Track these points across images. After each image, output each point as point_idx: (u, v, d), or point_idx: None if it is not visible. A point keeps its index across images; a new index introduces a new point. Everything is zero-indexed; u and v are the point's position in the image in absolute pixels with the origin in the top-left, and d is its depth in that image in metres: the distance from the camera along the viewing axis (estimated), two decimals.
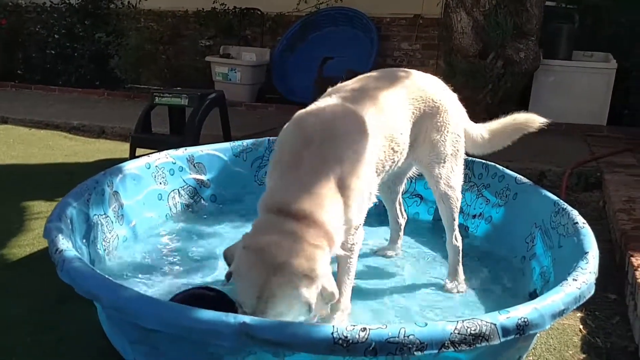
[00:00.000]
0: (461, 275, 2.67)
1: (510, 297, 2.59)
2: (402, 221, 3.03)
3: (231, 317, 1.62)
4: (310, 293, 1.83)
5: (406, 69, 2.72)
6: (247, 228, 3.23)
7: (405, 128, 2.45)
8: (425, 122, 2.54)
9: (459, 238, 2.70)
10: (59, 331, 2.28)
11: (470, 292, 2.64)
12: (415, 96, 2.50)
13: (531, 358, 2.19)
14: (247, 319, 1.62)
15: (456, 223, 2.68)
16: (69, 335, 2.25)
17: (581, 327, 2.44)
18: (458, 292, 2.62)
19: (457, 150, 2.63)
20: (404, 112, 2.45)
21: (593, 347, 2.30)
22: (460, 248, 2.69)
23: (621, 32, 6.39)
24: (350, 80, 2.58)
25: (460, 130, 2.66)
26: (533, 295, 2.56)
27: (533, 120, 2.81)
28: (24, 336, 2.25)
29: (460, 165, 2.67)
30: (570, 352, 2.26)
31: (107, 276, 1.87)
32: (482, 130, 2.82)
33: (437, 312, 2.44)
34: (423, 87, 2.56)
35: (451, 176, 2.61)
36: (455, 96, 2.73)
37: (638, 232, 2.95)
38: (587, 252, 2.19)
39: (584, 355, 2.24)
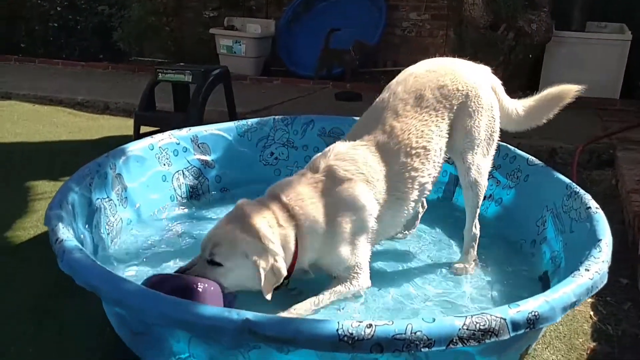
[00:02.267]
0: (473, 259, 2.63)
1: (520, 280, 2.57)
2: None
3: (234, 313, 1.59)
4: (260, 256, 2.06)
5: (429, 61, 2.65)
6: None
7: (441, 145, 2.49)
8: (458, 113, 2.50)
9: (478, 226, 2.65)
10: (61, 319, 2.26)
11: (480, 275, 2.60)
12: (445, 95, 2.47)
13: (540, 346, 2.16)
14: (250, 315, 1.58)
15: (479, 210, 2.63)
16: (71, 323, 2.24)
17: (592, 313, 2.40)
18: (467, 273, 2.58)
19: (492, 133, 2.58)
20: (440, 129, 2.47)
21: (604, 335, 2.26)
22: (478, 236, 2.65)
23: (636, 1, 6.18)
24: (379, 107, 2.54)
25: (496, 111, 2.60)
26: (543, 278, 2.53)
27: (568, 90, 2.71)
28: (25, 323, 2.23)
29: (493, 149, 2.62)
30: (580, 339, 2.22)
31: (108, 268, 1.83)
32: (518, 105, 2.74)
33: (446, 297, 2.40)
34: (451, 79, 2.50)
35: (482, 163, 2.56)
36: (486, 73, 2.66)
37: None
38: (600, 240, 2.14)
39: (594, 344, 2.20)
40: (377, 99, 2.59)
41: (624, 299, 2.51)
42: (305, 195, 2.25)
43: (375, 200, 2.33)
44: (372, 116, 2.51)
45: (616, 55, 5.87)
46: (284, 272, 2.11)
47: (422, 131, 2.42)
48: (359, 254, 2.31)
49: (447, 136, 2.50)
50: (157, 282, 1.90)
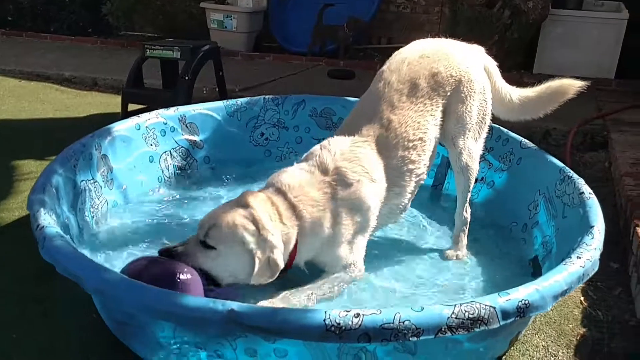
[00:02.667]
0: (464, 243, 2.61)
1: (511, 265, 2.55)
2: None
3: (219, 304, 1.55)
4: (255, 244, 2.02)
5: (422, 44, 2.59)
6: (240, 191, 3.19)
7: (435, 134, 2.47)
8: (451, 99, 2.47)
9: (469, 210, 2.63)
10: (46, 303, 2.22)
11: (470, 260, 2.58)
12: (439, 83, 2.43)
13: (530, 332, 2.15)
14: (235, 305, 1.55)
15: (469, 195, 2.61)
16: (56, 307, 2.20)
17: (582, 298, 2.39)
18: (458, 259, 2.56)
19: (484, 116, 2.56)
20: (434, 117, 2.44)
21: (593, 321, 2.25)
22: (469, 220, 2.63)
23: None
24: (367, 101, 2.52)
25: (488, 94, 2.57)
26: (534, 263, 2.51)
27: (569, 85, 2.67)
28: (9, 307, 2.19)
29: (484, 132, 2.60)
30: (571, 325, 2.22)
31: (89, 256, 1.79)
32: (514, 93, 2.70)
33: (436, 283, 2.37)
34: (445, 65, 2.46)
35: (474, 147, 2.55)
36: (480, 54, 2.62)
37: None
38: (593, 227, 2.11)
39: (584, 329, 2.19)
40: (372, 87, 2.54)
41: (614, 284, 2.50)
42: (315, 199, 2.20)
43: (378, 199, 2.32)
44: (369, 107, 2.47)
45: (612, 35, 5.80)
46: (281, 266, 2.07)
47: (419, 122, 2.39)
48: (356, 251, 2.29)
49: (441, 123, 2.47)
50: (136, 270, 1.85)
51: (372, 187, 2.29)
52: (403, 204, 2.47)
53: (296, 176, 2.27)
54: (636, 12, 5.72)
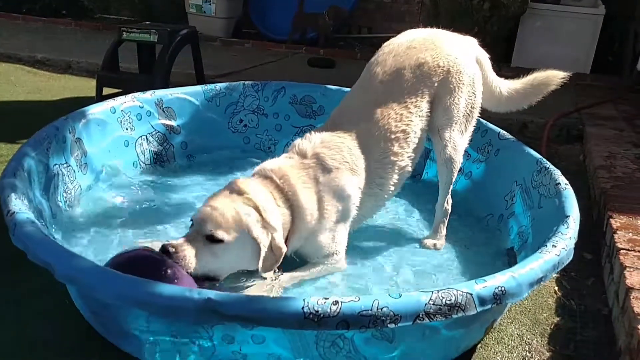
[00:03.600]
0: (442, 234, 2.62)
1: (487, 254, 2.57)
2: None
3: (195, 293, 1.52)
4: (260, 230, 1.99)
5: (412, 34, 2.58)
6: (218, 178, 3.15)
7: (421, 126, 2.45)
8: (438, 90, 2.46)
9: (450, 202, 2.64)
10: (18, 289, 2.16)
11: (447, 250, 2.59)
12: (426, 73, 2.42)
13: (505, 320, 2.17)
14: (212, 294, 1.52)
15: (452, 187, 2.61)
16: (28, 294, 2.13)
17: (556, 288, 2.42)
18: (435, 248, 2.57)
19: (472, 109, 2.55)
20: (419, 108, 2.42)
21: (567, 310, 2.28)
22: (449, 211, 2.64)
23: None
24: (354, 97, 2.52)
25: (478, 86, 2.56)
26: (509, 253, 2.54)
27: (554, 76, 2.74)
28: None
29: (471, 126, 2.60)
30: (545, 314, 2.24)
31: (61, 243, 1.74)
32: (503, 85, 2.72)
33: (414, 272, 2.37)
34: (432, 55, 2.45)
35: (459, 140, 2.54)
36: (472, 45, 2.62)
37: (618, 191, 2.91)
38: (568, 216, 2.14)
39: (557, 319, 2.22)
40: (359, 80, 2.54)
41: (587, 275, 2.54)
42: (297, 180, 2.19)
43: (359, 189, 2.30)
44: (354, 100, 2.48)
45: (589, 30, 5.88)
46: (284, 250, 2.05)
47: (402, 114, 2.38)
48: (337, 241, 2.28)
49: (428, 115, 2.45)
50: (122, 263, 1.79)
51: (351, 177, 2.28)
52: (386, 195, 2.46)
53: (278, 162, 2.27)
54: (613, 8, 5.81)
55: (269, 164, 2.26)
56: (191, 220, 2.05)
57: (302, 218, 2.18)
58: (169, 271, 1.80)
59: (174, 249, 1.90)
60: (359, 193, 2.32)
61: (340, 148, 2.29)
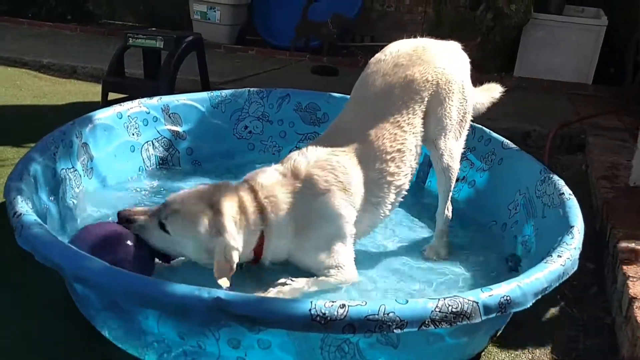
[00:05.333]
0: (444, 241, 2.63)
1: (489, 262, 2.57)
2: None
3: (204, 292, 1.54)
4: (210, 242, 2.05)
5: (396, 50, 2.58)
6: None
7: (415, 143, 2.47)
8: (430, 103, 2.48)
9: (450, 208, 2.65)
10: (23, 289, 2.18)
11: (450, 257, 2.59)
12: (415, 90, 2.44)
13: (509, 328, 2.16)
14: (221, 293, 1.54)
15: (451, 194, 2.63)
16: (29, 294, 2.15)
17: (559, 297, 2.43)
18: (439, 257, 2.58)
19: (464, 115, 2.58)
20: (413, 125, 2.44)
21: (570, 319, 2.30)
22: (450, 219, 2.65)
23: None
24: (347, 116, 2.54)
25: (467, 91, 2.59)
26: (511, 261, 2.54)
27: (494, 88, 2.87)
28: None
29: (465, 130, 2.62)
30: (548, 323, 2.26)
31: (70, 245, 1.75)
32: (475, 95, 2.75)
33: (417, 280, 2.38)
34: (420, 71, 2.46)
35: (454, 147, 2.56)
36: (456, 51, 2.65)
37: (620, 201, 2.93)
38: (573, 227, 2.15)
39: (560, 327, 2.23)
40: (351, 98, 2.59)
41: (590, 284, 2.55)
42: (283, 202, 2.21)
43: (352, 207, 2.31)
44: (348, 118, 2.50)
45: (591, 40, 5.92)
46: (235, 264, 2.06)
47: (395, 134, 2.40)
48: (337, 256, 2.26)
49: (422, 130, 2.48)
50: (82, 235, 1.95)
51: (343, 197, 2.27)
52: (382, 214, 2.46)
53: (270, 177, 2.27)
54: (615, 19, 5.85)
55: (261, 177, 2.27)
56: None
57: (278, 237, 2.22)
58: (127, 242, 2.02)
59: (130, 218, 2.10)
60: (353, 211, 2.31)
61: (334, 168, 2.29)
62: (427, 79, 2.46)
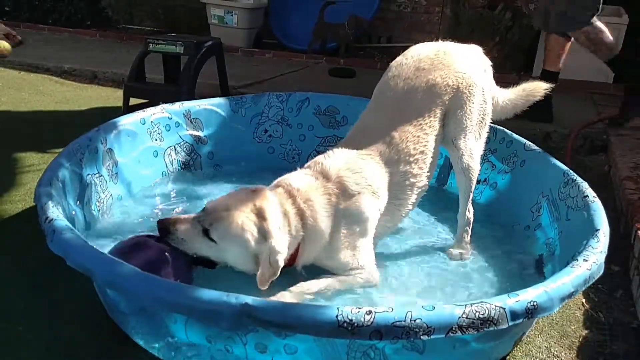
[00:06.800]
0: (466, 243, 2.63)
1: (512, 265, 2.57)
2: None
3: (232, 298, 1.56)
4: (259, 249, 2.03)
5: (417, 54, 2.58)
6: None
7: (435, 144, 2.49)
8: (450, 106, 2.50)
9: (472, 210, 2.65)
10: (53, 294, 2.22)
11: (473, 259, 2.60)
12: (436, 94, 2.46)
13: (533, 332, 2.17)
14: (249, 299, 1.56)
15: (472, 195, 2.63)
16: (61, 299, 2.19)
17: (584, 301, 2.41)
18: (462, 259, 2.58)
19: (484, 116, 2.59)
20: (434, 128, 2.46)
21: (595, 323, 2.28)
22: (472, 220, 2.65)
23: None
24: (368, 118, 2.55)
25: (487, 94, 2.60)
26: (539, 262, 2.53)
27: (539, 87, 2.82)
28: (15, 300, 2.18)
29: (485, 131, 2.63)
30: (573, 327, 2.24)
31: (99, 249, 1.79)
32: (500, 95, 2.76)
33: (440, 283, 2.39)
34: (441, 75, 2.47)
35: (474, 148, 2.57)
36: (477, 54, 2.66)
37: None
38: (598, 230, 2.13)
39: (586, 331, 2.22)
40: (371, 102, 2.60)
41: (615, 287, 2.52)
42: (320, 207, 2.21)
43: (378, 210, 2.34)
44: (370, 122, 2.51)
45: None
46: (281, 267, 2.06)
47: (418, 136, 2.42)
48: (360, 257, 2.29)
49: (442, 132, 2.50)
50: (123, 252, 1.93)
51: (372, 200, 2.30)
52: (403, 214, 2.49)
53: (304, 181, 2.28)
54: (636, 18, 5.77)
55: (295, 181, 2.26)
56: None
57: (314, 241, 2.22)
58: (165, 257, 1.99)
59: (171, 228, 2.06)
60: (378, 214, 2.34)
61: (363, 171, 2.31)
62: (449, 83, 2.47)
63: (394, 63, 2.61)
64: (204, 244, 2.07)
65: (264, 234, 2.04)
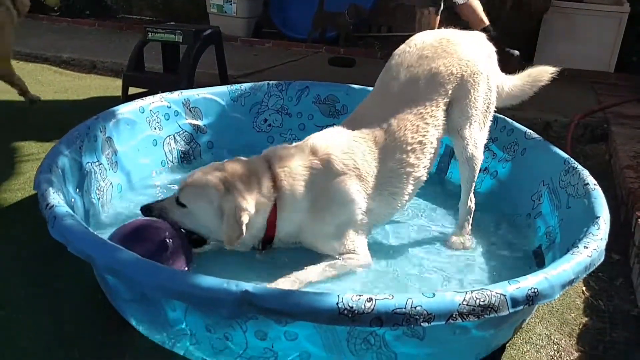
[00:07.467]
0: (467, 232, 2.62)
1: (513, 253, 2.57)
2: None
3: (233, 285, 1.55)
4: (222, 203, 2.12)
5: (420, 41, 2.57)
6: None
7: (437, 135, 2.47)
8: (454, 96, 2.47)
9: (473, 199, 2.64)
10: (53, 283, 2.21)
11: (474, 248, 2.59)
12: (439, 83, 2.43)
13: (534, 320, 2.17)
14: (249, 287, 1.55)
15: (474, 184, 2.62)
16: (62, 288, 2.19)
17: (584, 288, 2.41)
18: (464, 248, 2.57)
19: (489, 105, 2.57)
20: (435, 118, 2.44)
21: (595, 310, 2.28)
22: (473, 209, 2.64)
23: None
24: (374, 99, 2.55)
25: (492, 82, 2.57)
26: (538, 253, 2.53)
27: (545, 71, 2.79)
28: (16, 289, 2.18)
29: (489, 120, 2.60)
30: (573, 314, 2.24)
31: (102, 235, 1.78)
32: (506, 81, 2.73)
33: (440, 271, 2.38)
34: (445, 64, 2.45)
35: (479, 137, 2.55)
36: (481, 41, 2.63)
37: None
38: (599, 217, 2.13)
39: (586, 319, 2.22)
40: (374, 89, 2.58)
41: (615, 275, 2.53)
42: (298, 174, 2.24)
43: (367, 195, 2.31)
44: (370, 108, 2.49)
45: (613, 28, 5.81)
46: (244, 228, 2.11)
47: (418, 125, 2.39)
48: (349, 242, 2.29)
49: (444, 123, 2.47)
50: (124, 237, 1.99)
51: (358, 184, 2.28)
52: (399, 204, 2.46)
53: (288, 151, 2.32)
54: (637, 7, 5.74)
55: (279, 151, 2.32)
56: None
57: (290, 209, 2.24)
58: (167, 234, 2.09)
59: (153, 206, 2.24)
60: (365, 199, 2.31)
61: (354, 153, 2.30)
62: (452, 71, 2.44)
63: (397, 51, 2.59)
64: (179, 213, 2.20)
65: (227, 187, 2.12)
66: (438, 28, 2.75)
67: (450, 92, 2.46)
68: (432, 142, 2.44)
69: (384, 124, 2.38)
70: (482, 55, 2.56)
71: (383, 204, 2.39)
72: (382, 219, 2.50)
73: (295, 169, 2.24)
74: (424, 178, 2.49)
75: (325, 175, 2.25)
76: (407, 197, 2.46)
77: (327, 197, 2.25)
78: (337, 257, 2.28)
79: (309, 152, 2.30)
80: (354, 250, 2.29)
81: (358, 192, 2.28)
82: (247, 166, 2.23)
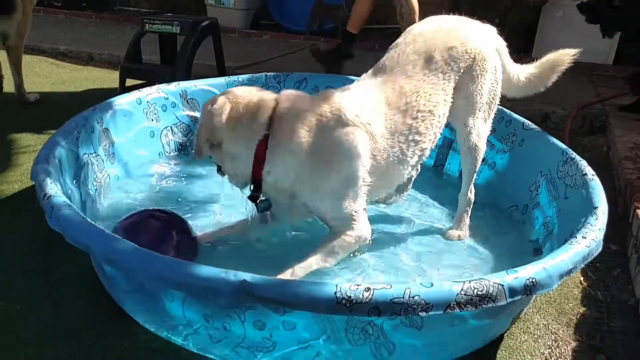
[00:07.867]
0: (466, 223, 2.62)
1: (511, 244, 2.57)
2: (415, 174, 2.88)
3: (231, 275, 1.55)
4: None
5: (436, 20, 2.57)
6: None
7: (444, 111, 2.42)
8: (463, 76, 2.44)
9: (473, 191, 2.63)
10: (52, 274, 2.21)
11: (471, 240, 2.59)
12: (454, 58, 2.40)
13: (531, 310, 2.18)
14: (247, 276, 1.55)
15: (475, 175, 2.60)
16: (60, 279, 2.19)
17: (582, 279, 2.42)
18: (459, 238, 2.58)
19: (494, 97, 2.55)
20: (446, 92, 2.40)
21: (593, 300, 2.29)
22: (473, 201, 2.63)
23: None
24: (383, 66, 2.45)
25: (499, 74, 2.55)
26: (535, 243, 2.53)
27: (564, 55, 2.72)
28: (15, 279, 2.18)
29: (493, 111, 2.58)
30: (570, 304, 2.25)
31: (99, 226, 1.78)
32: (520, 71, 2.71)
33: (438, 262, 2.39)
34: (460, 41, 2.42)
35: (482, 128, 2.53)
36: (492, 34, 2.61)
37: None
38: (597, 207, 2.13)
39: (583, 309, 2.23)
40: (384, 58, 2.47)
41: (613, 265, 2.53)
42: (301, 117, 2.12)
43: (373, 155, 2.21)
44: (382, 72, 2.40)
45: None
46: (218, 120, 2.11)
47: (430, 95, 2.35)
48: (349, 203, 2.16)
49: (452, 101, 2.44)
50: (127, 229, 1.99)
51: (367, 139, 2.18)
52: (402, 173, 2.37)
53: (300, 95, 2.25)
54: None
55: (292, 93, 2.24)
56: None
57: (282, 151, 2.11)
58: (173, 232, 2.09)
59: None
60: (370, 159, 2.20)
61: (367, 109, 2.21)
62: (467, 50, 2.41)
63: (410, 27, 2.58)
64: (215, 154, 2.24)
65: (212, 102, 2.16)
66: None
67: (461, 70, 2.41)
68: (440, 116, 2.38)
69: (396, 85, 2.32)
70: (492, 45, 2.54)
71: (387, 171, 2.28)
72: (380, 189, 2.38)
73: (300, 109, 2.13)
74: (427, 153, 2.42)
75: (333, 123, 2.13)
76: (410, 169, 2.38)
77: (332, 147, 2.12)
78: (335, 226, 2.19)
79: (320, 99, 2.21)
80: (352, 216, 2.18)
81: (365, 149, 2.17)
82: (253, 95, 2.17)
